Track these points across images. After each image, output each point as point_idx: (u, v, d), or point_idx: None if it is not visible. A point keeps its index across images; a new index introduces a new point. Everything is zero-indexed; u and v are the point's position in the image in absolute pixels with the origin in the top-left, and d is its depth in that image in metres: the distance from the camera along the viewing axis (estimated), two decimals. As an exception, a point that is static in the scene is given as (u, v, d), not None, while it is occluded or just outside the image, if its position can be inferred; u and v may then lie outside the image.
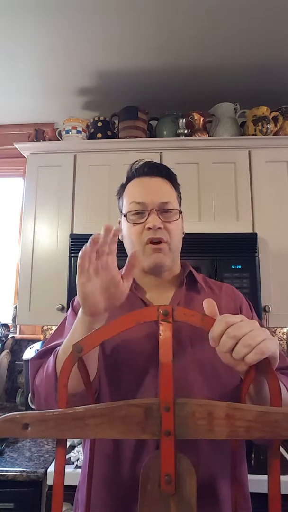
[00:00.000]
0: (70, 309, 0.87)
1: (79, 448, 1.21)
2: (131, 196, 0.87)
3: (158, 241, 0.81)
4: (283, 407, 0.47)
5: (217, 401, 0.47)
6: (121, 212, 0.91)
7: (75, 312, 0.80)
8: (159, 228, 0.81)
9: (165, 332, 0.50)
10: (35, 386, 0.75)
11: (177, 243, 0.85)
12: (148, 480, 0.46)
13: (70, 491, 1.08)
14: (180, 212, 0.87)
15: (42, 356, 0.79)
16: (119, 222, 0.92)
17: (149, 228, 0.81)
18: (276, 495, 0.46)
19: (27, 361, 1.62)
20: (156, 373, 0.69)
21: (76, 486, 1.06)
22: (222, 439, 0.45)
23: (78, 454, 1.17)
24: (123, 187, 0.94)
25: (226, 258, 1.46)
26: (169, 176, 0.91)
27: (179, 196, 0.92)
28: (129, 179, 0.93)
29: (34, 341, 1.84)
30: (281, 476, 0.46)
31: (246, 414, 0.45)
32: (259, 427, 0.45)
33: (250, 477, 1.02)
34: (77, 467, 1.12)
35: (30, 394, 0.52)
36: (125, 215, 0.87)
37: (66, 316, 0.86)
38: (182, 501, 0.45)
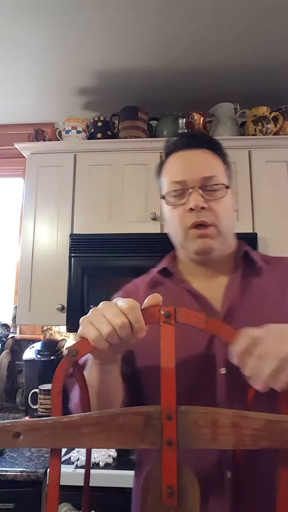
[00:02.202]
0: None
1: (79, 448, 1.21)
2: (169, 174, 0.75)
3: (203, 225, 0.69)
4: None
5: (222, 409, 0.45)
6: (161, 194, 0.80)
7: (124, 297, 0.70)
8: (203, 208, 0.69)
9: (167, 335, 0.46)
10: (70, 405, 0.66)
11: (228, 224, 0.72)
12: (148, 492, 0.44)
13: (71, 491, 1.08)
14: (227, 187, 0.73)
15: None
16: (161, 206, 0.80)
17: (191, 210, 0.69)
18: (285, 504, 0.44)
19: (27, 361, 1.62)
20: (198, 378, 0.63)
21: (76, 486, 1.06)
22: (227, 448, 0.43)
23: (78, 454, 1.17)
24: (161, 165, 0.81)
25: (226, 258, 1.46)
26: (213, 145, 0.76)
27: (229, 168, 0.77)
28: (167, 155, 0.79)
29: (34, 341, 1.84)
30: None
31: (253, 423, 0.43)
32: (267, 436, 0.42)
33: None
34: (77, 467, 1.12)
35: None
36: (163, 197, 0.76)
37: None
38: None
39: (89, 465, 0.55)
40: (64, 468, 1.11)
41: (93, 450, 1.18)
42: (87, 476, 0.55)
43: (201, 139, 0.78)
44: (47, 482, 1.10)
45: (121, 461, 1.17)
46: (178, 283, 0.74)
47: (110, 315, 0.47)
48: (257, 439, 0.42)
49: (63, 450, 1.23)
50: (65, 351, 1.68)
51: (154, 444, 0.43)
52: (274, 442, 0.42)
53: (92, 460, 1.13)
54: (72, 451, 1.19)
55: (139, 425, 0.43)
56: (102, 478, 1.09)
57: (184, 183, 0.71)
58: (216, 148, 0.76)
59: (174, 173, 0.74)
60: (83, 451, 1.17)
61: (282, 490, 0.44)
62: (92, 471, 1.09)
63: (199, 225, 0.70)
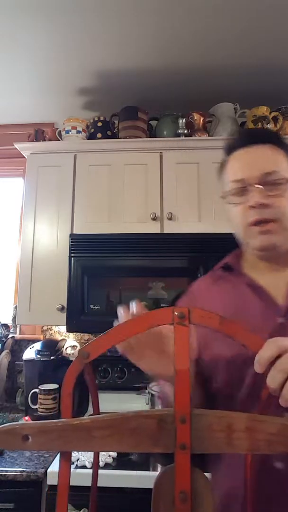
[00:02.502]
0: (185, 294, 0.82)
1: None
2: (230, 173, 0.75)
3: (264, 221, 0.69)
4: None
5: (237, 412, 0.43)
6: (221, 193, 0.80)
7: (188, 297, 0.80)
8: (264, 205, 0.68)
9: (181, 336, 0.45)
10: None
11: None
12: (160, 498, 0.43)
13: (71, 491, 1.08)
14: None
15: None
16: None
17: (252, 207, 0.69)
18: None
19: (27, 361, 1.62)
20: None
21: (76, 486, 1.06)
22: (241, 453, 0.42)
23: (78, 454, 1.17)
24: (222, 164, 0.79)
25: (226, 258, 1.46)
26: (274, 139, 0.74)
27: None
28: (227, 155, 0.78)
29: (34, 341, 1.84)
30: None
31: (268, 427, 0.41)
32: (282, 440, 0.41)
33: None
34: (77, 467, 1.12)
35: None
36: (224, 197, 0.77)
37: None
38: None
39: (97, 466, 0.54)
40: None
41: (93, 450, 1.18)
42: (95, 477, 0.55)
43: (260, 135, 0.78)
44: (47, 483, 1.10)
45: (121, 461, 1.17)
46: (239, 277, 0.75)
47: None
48: (272, 444, 0.41)
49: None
50: (65, 351, 1.68)
51: (167, 448, 0.42)
52: None
53: (92, 460, 1.13)
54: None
55: (152, 428, 0.42)
56: (102, 478, 1.08)
57: (243, 181, 0.71)
58: (278, 142, 0.74)
59: (234, 172, 0.74)
60: (83, 451, 1.17)
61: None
62: (92, 471, 1.09)
63: (260, 222, 0.69)
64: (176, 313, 0.45)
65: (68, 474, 0.43)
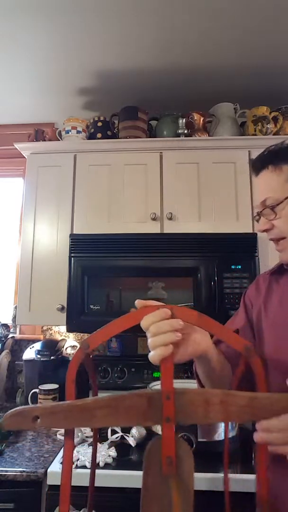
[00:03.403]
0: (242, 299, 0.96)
1: (79, 448, 1.21)
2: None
3: (275, 240, 0.83)
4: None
5: (212, 389, 0.52)
6: None
7: (244, 302, 0.93)
8: (266, 230, 0.82)
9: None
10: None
11: None
12: (150, 463, 0.50)
13: (71, 491, 1.08)
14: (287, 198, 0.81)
15: None
16: None
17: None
18: (264, 478, 0.52)
19: (27, 361, 1.62)
20: None
21: (76, 487, 1.06)
22: (216, 422, 0.51)
23: (78, 454, 1.17)
24: None
25: (226, 258, 1.46)
26: (273, 158, 0.84)
27: None
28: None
29: (34, 341, 1.84)
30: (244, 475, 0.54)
31: (238, 400, 0.50)
32: (249, 411, 0.50)
33: (250, 477, 1.03)
34: (77, 467, 1.12)
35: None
36: None
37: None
38: (182, 481, 0.50)
39: (94, 465, 0.58)
40: (64, 468, 1.11)
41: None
42: (92, 477, 0.59)
43: (262, 159, 0.85)
44: (47, 483, 1.10)
45: (121, 461, 1.17)
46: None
47: None
48: (241, 414, 0.50)
49: (62, 452, 1.23)
50: (65, 351, 1.68)
51: (156, 421, 0.50)
52: (255, 416, 0.52)
53: (92, 460, 1.13)
54: (72, 451, 1.19)
55: (143, 406, 0.50)
56: (102, 478, 1.09)
57: (256, 210, 0.86)
58: (276, 160, 0.82)
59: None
60: (83, 451, 1.17)
61: (260, 464, 0.53)
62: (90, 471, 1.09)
63: (273, 240, 0.83)
64: (162, 309, 0.56)
65: (72, 449, 0.51)
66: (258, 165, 0.86)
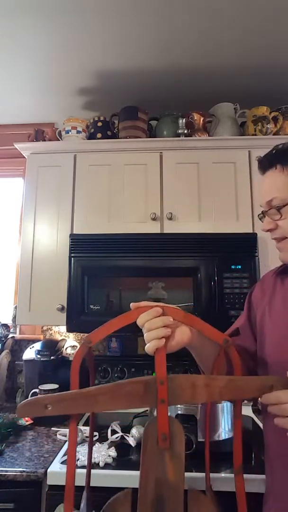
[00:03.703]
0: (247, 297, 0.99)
1: (79, 448, 1.20)
2: None
3: (277, 240, 0.84)
4: None
5: (198, 375, 0.63)
6: None
7: (249, 302, 0.96)
8: (270, 229, 0.83)
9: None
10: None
11: None
12: (148, 438, 0.59)
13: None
14: None
15: None
16: None
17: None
18: (239, 447, 0.62)
19: (27, 361, 1.62)
20: None
21: (76, 486, 1.06)
22: (202, 402, 0.61)
23: (78, 454, 1.17)
24: None
25: (226, 258, 1.46)
26: (280, 160, 0.83)
27: None
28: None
29: (34, 341, 1.84)
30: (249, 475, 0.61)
31: (219, 382, 0.60)
32: (228, 391, 0.60)
33: (250, 477, 1.03)
34: (77, 467, 1.12)
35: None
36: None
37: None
38: (174, 453, 0.59)
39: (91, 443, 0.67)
40: (64, 469, 1.11)
41: (93, 450, 1.18)
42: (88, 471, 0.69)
43: (270, 158, 0.85)
44: (47, 483, 1.10)
45: (121, 461, 1.16)
46: None
47: None
48: (222, 394, 0.61)
49: (63, 451, 1.24)
50: (65, 351, 1.68)
51: (151, 404, 0.59)
52: (233, 395, 0.62)
53: (92, 460, 1.13)
54: (72, 451, 1.19)
55: (140, 390, 0.59)
56: (102, 478, 1.09)
57: (262, 209, 0.86)
58: (285, 159, 0.82)
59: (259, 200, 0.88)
60: (83, 451, 1.17)
61: (237, 438, 0.62)
62: (92, 471, 1.09)
63: (275, 240, 0.84)
64: (154, 308, 0.66)
65: (76, 432, 0.60)
66: (265, 163, 0.85)
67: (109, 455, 1.17)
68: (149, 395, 0.58)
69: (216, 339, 0.65)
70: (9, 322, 1.94)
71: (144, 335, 0.65)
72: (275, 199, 0.81)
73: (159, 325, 0.65)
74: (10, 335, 1.92)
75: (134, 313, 0.66)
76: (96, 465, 1.13)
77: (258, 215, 0.88)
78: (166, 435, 0.58)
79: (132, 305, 0.69)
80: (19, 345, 1.92)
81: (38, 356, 1.58)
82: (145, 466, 0.59)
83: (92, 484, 1.05)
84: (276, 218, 0.81)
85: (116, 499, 0.63)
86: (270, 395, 0.61)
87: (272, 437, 0.82)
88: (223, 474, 1.04)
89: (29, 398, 0.56)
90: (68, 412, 0.58)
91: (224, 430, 1.23)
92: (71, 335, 1.90)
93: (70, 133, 1.70)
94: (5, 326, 1.91)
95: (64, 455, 1.20)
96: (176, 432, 0.59)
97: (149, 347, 0.65)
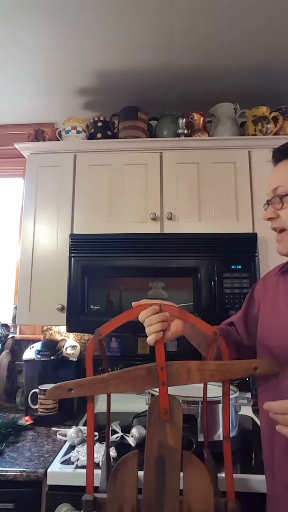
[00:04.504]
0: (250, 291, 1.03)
1: (79, 448, 1.21)
2: None
3: (277, 231, 0.86)
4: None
5: (192, 361, 0.73)
6: None
7: (250, 296, 1.00)
8: (271, 218, 0.85)
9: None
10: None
11: None
12: (152, 412, 0.72)
13: (71, 491, 1.08)
14: None
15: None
16: None
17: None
18: (227, 419, 0.75)
19: (27, 361, 1.62)
20: None
21: (76, 486, 1.06)
22: (196, 383, 0.73)
23: (78, 454, 1.17)
24: None
25: (226, 258, 1.46)
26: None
27: None
28: None
29: (34, 341, 1.84)
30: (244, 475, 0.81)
31: (210, 366, 0.73)
32: (218, 373, 0.73)
33: (250, 477, 1.03)
34: (77, 467, 1.12)
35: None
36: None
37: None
38: (174, 425, 0.72)
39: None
40: (64, 469, 1.11)
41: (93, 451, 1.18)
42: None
43: (284, 150, 0.86)
44: (47, 483, 1.11)
45: (109, 461, 1.16)
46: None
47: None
48: (212, 376, 0.73)
49: (63, 451, 1.24)
50: (65, 351, 1.68)
51: (154, 385, 0.72)
52: (222, 376, 0.74)
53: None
54: (72, 451, 1.19)
55: (144, 375, 0.73)
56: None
57: (267, 197, 0.88)
58: None
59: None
60: (83, 451, 1.17)
61: (225, 411, 0.75)
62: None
63: (275, 230, 0.86)
64: (152, 306, 0.79)
65: (93, 410, 0.74)
66: (279, 155, 0.87)
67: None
68: (152, 378, 0.72)
69: (206, 331, 0.76)
70: (9, 322, 1.94)
71: (146, 329, 0.77)
72: (281, 187, 0.82)
73: (157, 320, 0.76)
74: (10, 335, 1.92)
75: (137, 310, 0.77)
76: (96, 465, 1.13)
77: (264, 205, 0.89)
78: (167, 410, 0.71)
79: (133, 304, 0.80)
80: (19, 345, 1.92)
81: (38, 356, 1.58)
82: (150, 432, 0.72)
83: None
84: (278, 207, 0.83)
85: (125, 458, 0.73)
86: (274, 404, 0.68)
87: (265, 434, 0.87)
88: (223, 474, 1.04)
89: (56, 384, 0.72)
90: (87, 394, 0.72)
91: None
92: (71, 335, 1.90)
93: (70, 133, 1.70)
94: (5, 326, 1.91)
95: (64, 455, 1.20)
96: (175, 407, 0.72)
97: (149, 340, 0.76)
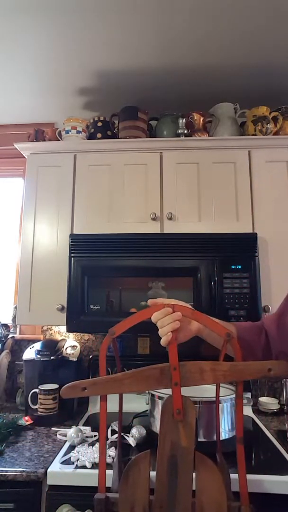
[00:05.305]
0: None
1: (79, 448, 1.21)
2: None
3: None
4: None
5: (204, 361, 0.74)
6: None
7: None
8: None
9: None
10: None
11: None
12: (166, 412, 0.72)
13: (71, 491, 1.08)
14: None
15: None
16: None
17: None
18: (240, 422, 0.74)
19: (27, 361, 1.62)
20: None
21: (76, 486, 1.06)
22: (209, 384, 0.74)
23: (78, 454, 1.17)
24: None
25: (226, 258, 1.46)
26: None
27: None
28: None
29: (34, 341, 1.84)
30: (249, 475, 0.73)
31: (222, 367, 0.73)
32: (231, 374, 0.73)
33: (250, 477, 1.02)
34: (77, 467, 1.12)
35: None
36: None
37: None
38: (187, 425, 0.72)
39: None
40: (64, 469, 1.11)
41: (93, 451, 1.18)
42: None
43: None
44: (47, 483, 1.11)
45: (121, 461, 1.16)
46: None
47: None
48: (225, 377, 0.73)
49: (63, 451, 1.24)
50: (65, 351, 1.68)
51: (167, 386, 0.72)
52: (235, 378, 0.73)
53: (92, 460, 1.13)
54: (72, 452, 1.19)
55: (157, 375, 0.73)
56: (102, 478, 1.09)
57: None
58: None
59: None
60: (83, 451, 1.17)
61: (239, 414, 0.74)
62: (92, 471, 1.10)
63: None
64: (166, 307, 0.80)
65: (106, 409, 0.75)
66: None
67: (109, 455, 1.17)
68: (164, 379, 0.72)
69: (219, 333, 0.76)
70: (9, 322, 1.94)
71: (159, 331, 0.79)
72: None
73: (169, 321, 0.77)
74: (10, 335, 1.92)
75: (150, 310, 0.79)
76: (96, 465, 1.13)
77: None
78: (180, 410, 0.72)
79: (149, 301, 0.83)
80: (19, 345, 1.92)
81: (38, 356, 1.58)
82: (163, 431, 0.73)
83: (92, 484, 1.05)
84: None
85: (138, 457, 0.73)
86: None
87: None
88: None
89: (70, 383, 0.73)
90: (101, 393, 0.73)
91: (224, 430, 1.23)
92: (71, 335, 1.90)
93: (70, 133, 1.70)
94: (5, 326, 1.91)
95: (64, 455, 1.20)
96: (188, 407, 0.72)
97: (163, 341, 0.77)
